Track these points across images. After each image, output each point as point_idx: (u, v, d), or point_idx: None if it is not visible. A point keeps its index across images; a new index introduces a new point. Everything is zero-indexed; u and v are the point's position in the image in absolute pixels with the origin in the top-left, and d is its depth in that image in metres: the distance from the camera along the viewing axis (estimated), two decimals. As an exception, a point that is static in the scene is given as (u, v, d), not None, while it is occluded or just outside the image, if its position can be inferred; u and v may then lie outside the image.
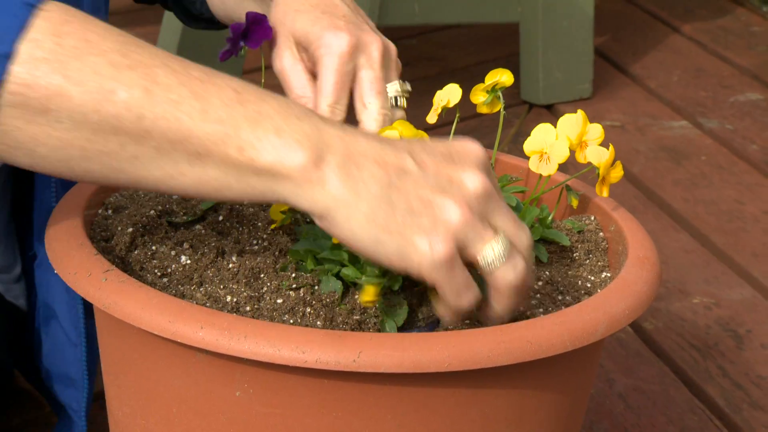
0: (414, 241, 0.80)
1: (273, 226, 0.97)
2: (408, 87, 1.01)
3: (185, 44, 2.07)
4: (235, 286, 0.92)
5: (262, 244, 0.97)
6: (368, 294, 0.87)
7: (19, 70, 0.79)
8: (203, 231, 0.98)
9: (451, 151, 0.83)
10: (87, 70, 0.80)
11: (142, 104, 0.80)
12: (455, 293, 0.82)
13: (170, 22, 2.08)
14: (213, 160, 0.81)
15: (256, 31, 1.01)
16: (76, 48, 0.80)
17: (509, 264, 0.83)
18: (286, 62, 1.01)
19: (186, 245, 0.96)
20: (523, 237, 0.84)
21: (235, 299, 0.91)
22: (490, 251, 0.82)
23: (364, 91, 0.99)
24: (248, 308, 0.90)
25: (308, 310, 0.90)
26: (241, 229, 0.98)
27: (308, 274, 0.92)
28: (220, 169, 0.81)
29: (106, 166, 0.82)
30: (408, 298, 0.91)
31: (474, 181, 0.82)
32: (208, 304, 0.90)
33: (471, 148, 0.84)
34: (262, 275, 0.93)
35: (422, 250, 0.80)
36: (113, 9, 2.57)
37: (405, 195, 0.80)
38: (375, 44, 0.99)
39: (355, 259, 0.90)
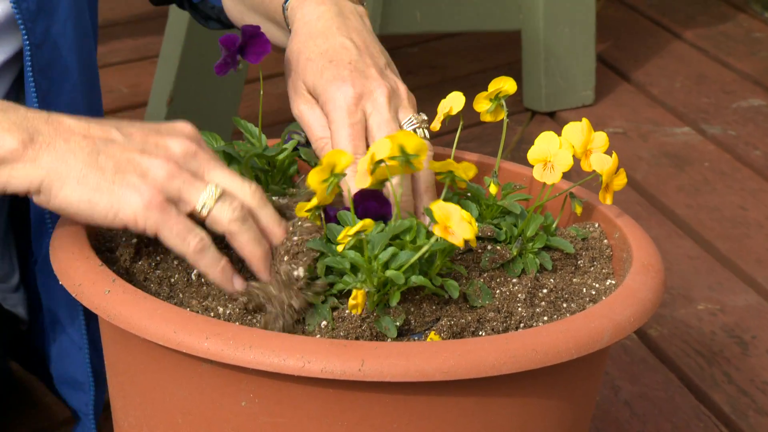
0: (124, 196, 0.87)
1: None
2: (424, 117, 1.02)
3: (187, 54, 2.07)
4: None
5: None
6: (356, 299, 0.87)
7: None
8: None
9: (159, 128, 0.92)
10: None
11: None
12: (178, 238, 0.88)
13: (173, 32, 2.08)
14: None
15: (255, 44, 1.01)
16: None
17: (224, 203, 0.89)
18: (303, 108, 1.03)
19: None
20: (240, 186, 0.90)
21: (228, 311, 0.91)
22: (200, 196, 0.88)
23: (377, 137, 1.01)
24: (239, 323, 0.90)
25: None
26: None
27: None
28: None
29: None
30: (407, 310, 0.91)
31: (179, 144, 0.90)
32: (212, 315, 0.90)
33: (180, 125, 0.92)
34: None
35: (133, 202, 0.87)
36: (115, 19, 2.57)
37: (112, 158, 0.88)
38: (379, 89, 1.01)
39: (356, 268, 0.90)
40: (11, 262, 1.27)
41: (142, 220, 0.87)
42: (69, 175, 0.88)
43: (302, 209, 0.95)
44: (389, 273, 0.89)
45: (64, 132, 0.89)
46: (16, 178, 0.88)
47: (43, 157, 0.88)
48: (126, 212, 0.87)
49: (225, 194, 0.89)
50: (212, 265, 0.89)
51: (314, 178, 0.93)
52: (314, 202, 0.94)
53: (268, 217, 0.91)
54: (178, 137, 0.91)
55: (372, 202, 0.95)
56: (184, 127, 0.93)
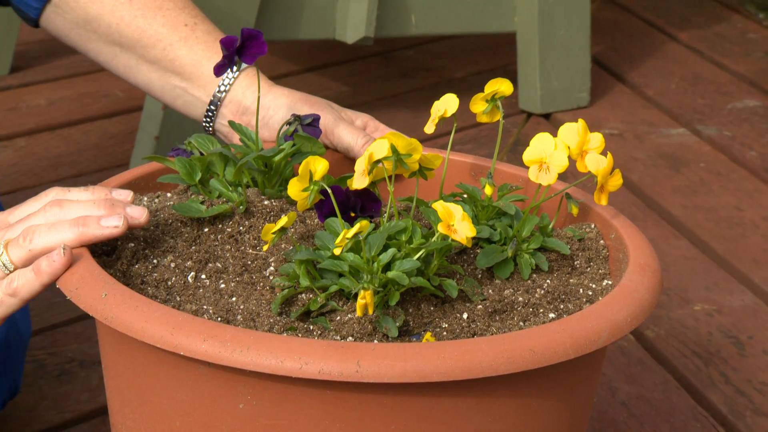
0: None
1: (265, 248, 0.96)
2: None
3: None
4: (234, 299, 0.92)
5: (266, 261, 0.97)
6: (364, 299, 0.87)
7: None
8: (207, 244, 0.98)
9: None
10: None
11: None
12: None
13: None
14: None
15: (252, 46, 1.02)
16: None
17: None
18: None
19: (189, 262, 0.96)
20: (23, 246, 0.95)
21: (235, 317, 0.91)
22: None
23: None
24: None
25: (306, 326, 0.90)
26: (247, 238, 0.98)
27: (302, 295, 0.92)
28: None
29: None
30: (405, 311, 0.92)
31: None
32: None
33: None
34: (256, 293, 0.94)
35: None
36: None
37: None
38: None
39: (355, 270, 0.90)
40: None
41: None
42: None
43: (268, 232, 0.93)
44: (391, 274, 0.89)
45: None
46: None
47: None
48: None
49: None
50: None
51: (294, 188, 0.93)
52: (281, 222, 0.93)
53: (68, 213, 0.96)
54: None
55: (361, 201, 0.95)
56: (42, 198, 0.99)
